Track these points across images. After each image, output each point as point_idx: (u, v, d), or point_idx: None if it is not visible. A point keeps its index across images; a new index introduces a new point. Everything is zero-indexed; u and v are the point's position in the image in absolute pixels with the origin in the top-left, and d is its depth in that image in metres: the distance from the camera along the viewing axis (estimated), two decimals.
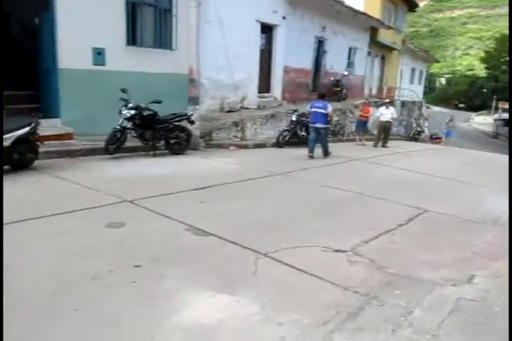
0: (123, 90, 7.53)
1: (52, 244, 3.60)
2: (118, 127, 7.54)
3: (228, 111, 11.62)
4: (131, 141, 7.90)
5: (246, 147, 10.21)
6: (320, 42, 15.94)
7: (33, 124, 6.19)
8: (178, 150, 8.40)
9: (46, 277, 3.03)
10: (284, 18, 13.28)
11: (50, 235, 3.79)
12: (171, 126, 8.24)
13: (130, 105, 7.63)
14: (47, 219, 4.18)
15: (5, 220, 3.99)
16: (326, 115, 9.32)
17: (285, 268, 3.39)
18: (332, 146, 9.92)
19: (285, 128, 11.20)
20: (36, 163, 6.41)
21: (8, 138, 5.81)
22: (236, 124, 10.78)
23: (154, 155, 8.02)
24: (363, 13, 16.98)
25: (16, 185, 5.40)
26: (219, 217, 4.58)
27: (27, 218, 4.13)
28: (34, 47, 8.86)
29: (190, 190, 5.58)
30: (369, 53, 20.30)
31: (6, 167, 6.03)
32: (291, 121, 11.13)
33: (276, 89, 13.99)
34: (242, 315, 2.69)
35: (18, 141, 5.95)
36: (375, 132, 13.64)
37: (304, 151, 9.49)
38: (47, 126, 7.36)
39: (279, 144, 10.68)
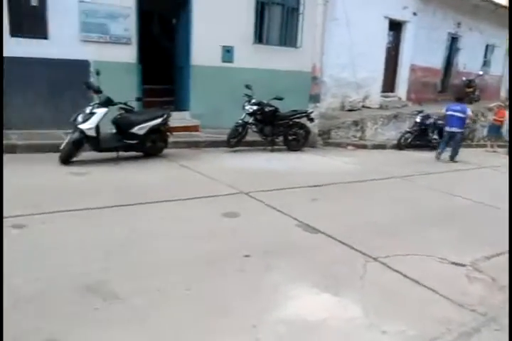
0: (247, 86, 7.84)
1: (174, 226, 3.90)
2: (240, 122, 7.87)
3: (349, 110, 11.45)
4: (251, 136, 8.19)
5: (364, 147, 9.98)
6: (453, 40, 14.89)
7: (166, 116, 6.75)
8: (296, 147, 8.51)
9: (166, 256, 3.29)
10: (414, 14, 12.68)
11: (174, 218, 4.12)
12: (291, 122, 8.36)
13: (253, 101, 7.92)
14: (172, 203, 4.54)
15: (135, 201, 4.44)
16: (462, 119, 8.83)
17: (395, 275, 3.27)
18: (460, 151, 9.26)
19: (408, 129, 10.70)
20: (165, 151, 6.99)
21: (144, 128, 6.42)
22: (356, 123, 10.58)
23: (272, 151, 8.23)
24: (505, 7, 15.44)
25: (147, 170, 6.00)
26: (331, 215, 4.56)
27: (156, 201, 4.53)
28: (171, 46, 9.61)
29: (305, 187, 5.63)
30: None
31: (138, 153, 6.69)
32: (415, 122, 10.60)
33: (401, 88, 13.42)
34: (345, 317, 2.66)
35: (152, 130, 6.55)
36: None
37: (426, 155, 9.02)
38: (177, 118, 7.97)
39: (399, 146, 10.25)
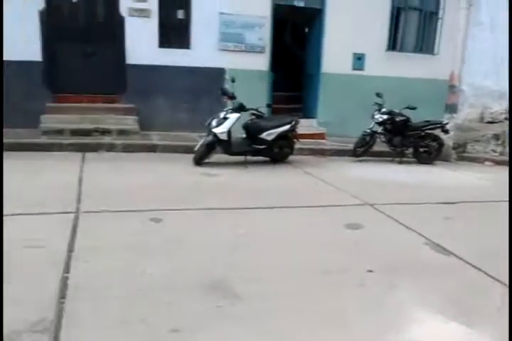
0: (378, 95, 7.61)
1: (296, 233, 3.92)
2: (368, 131, 7.67)
3: (489, 122, 10.48)
4: (378, 146, 7.94)
5: (505, 164, 9.04)
6: None
7: (294, 123, 6.86)
8: (426, 160, 8.03)
9: (286, 260, 3.30)
10: None
11: (296, 224, 4.14)
12: (423, 133, 7.92)
13: (383, 110, 7.67)
14: (295, 209, 4.60)
15: (259, 205, 4.57)
16: None
17: None
18: None
19: None
20: (290, 158, 7.11)
21: (272, 134, 6.60)
22: (497, 137, 9.63)
23: (400, 162, 7.88)
24: None
25: (273, 175, 6.21)
26: (465, 236, 4.18)
27: (279, 206, 4.63)
28: (302, 54, 9.74)
29: (436, 203, 5.26)
30: None
31: (265, 158, 6.89)
32: None
33: None
34: None
35: (280, 136, 6.71)
36: None
37: None
38: (304, 126, 8.06)
39: None
